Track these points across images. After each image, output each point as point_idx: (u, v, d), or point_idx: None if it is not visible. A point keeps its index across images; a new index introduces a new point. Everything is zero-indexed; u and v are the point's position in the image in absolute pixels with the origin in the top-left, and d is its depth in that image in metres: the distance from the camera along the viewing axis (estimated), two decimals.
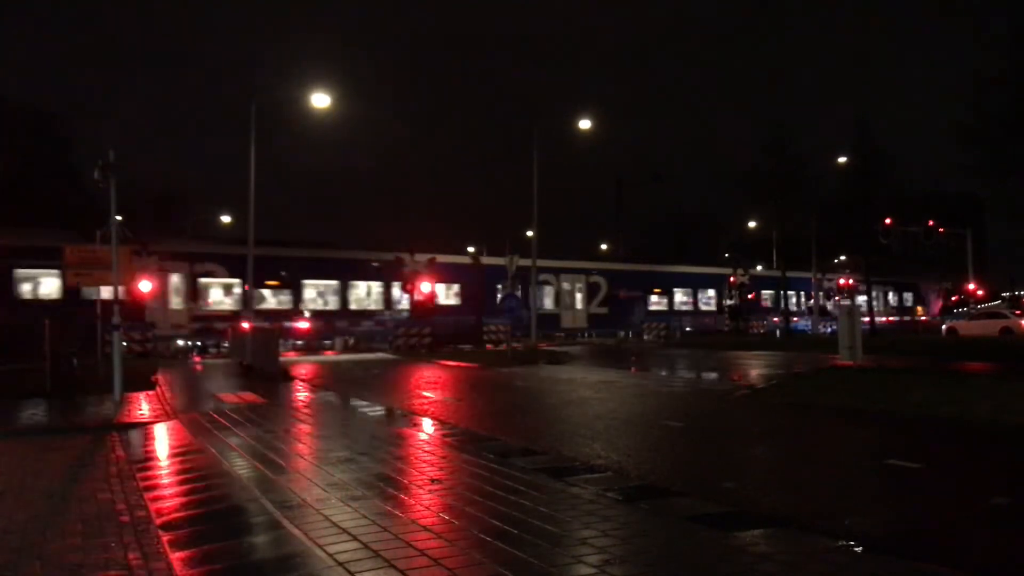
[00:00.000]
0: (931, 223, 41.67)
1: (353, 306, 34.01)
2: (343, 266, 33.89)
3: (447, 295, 36.19)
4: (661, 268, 46.35)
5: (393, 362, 24.94)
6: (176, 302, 29.92)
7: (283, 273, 31.71)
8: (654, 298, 44.42)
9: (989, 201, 38.29)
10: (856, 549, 4.62)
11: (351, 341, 32.95)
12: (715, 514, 5.42)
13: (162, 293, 28.97)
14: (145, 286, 24.80)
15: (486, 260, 34.44)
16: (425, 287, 33.32)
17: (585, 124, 31.51)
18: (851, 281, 47.24)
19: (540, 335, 32.62)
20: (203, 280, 30.66)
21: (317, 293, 33.27)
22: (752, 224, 51.80)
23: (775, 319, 46.47)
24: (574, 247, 62.93)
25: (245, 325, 23.68)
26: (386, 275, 34.26)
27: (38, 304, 25.97)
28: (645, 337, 38.91)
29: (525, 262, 29.26)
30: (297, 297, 32.45)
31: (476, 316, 34.24)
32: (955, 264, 54.24)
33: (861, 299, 44.21)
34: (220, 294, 31.23)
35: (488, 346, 31.86)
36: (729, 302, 43.67)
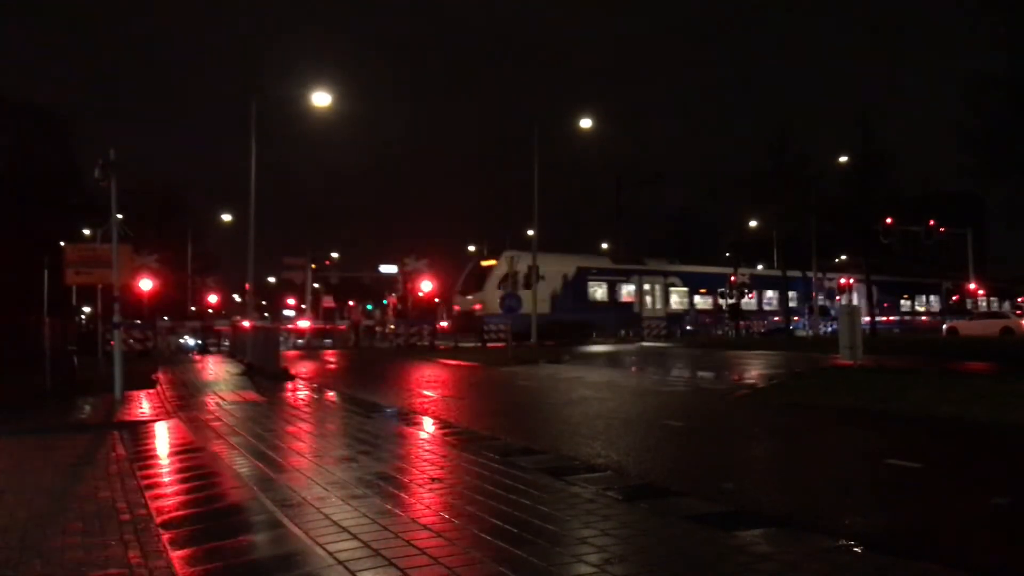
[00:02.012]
0: (931, 223, 41.65)
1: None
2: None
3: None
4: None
5: (394, 360, 24.96)
6: (648, 303, 43.19)
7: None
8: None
9: (989, 201, 38.28)
10: (856, 549, 4.61)
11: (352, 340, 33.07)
12: (715, 514, 5.41)
13: (640, 297, 42.81)
14: (145, 285, 24.77)
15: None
16: (426, 286, 33.41)
17: (586, 123, 31.55)
18: (851, 281, 47.14)
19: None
20: (671, 289, 44.56)
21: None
22: (752, 224, 51.76)
23: (776, 319, 46.41)
24: (578, 246, 62.93)
25: (246, 324, 23.60)
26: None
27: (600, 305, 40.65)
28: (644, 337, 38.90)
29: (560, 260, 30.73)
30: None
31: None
32: (955, 264, 54.25)
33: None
34: (678, 297, 45.16)
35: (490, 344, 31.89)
36: (730, 302, 43.58)
